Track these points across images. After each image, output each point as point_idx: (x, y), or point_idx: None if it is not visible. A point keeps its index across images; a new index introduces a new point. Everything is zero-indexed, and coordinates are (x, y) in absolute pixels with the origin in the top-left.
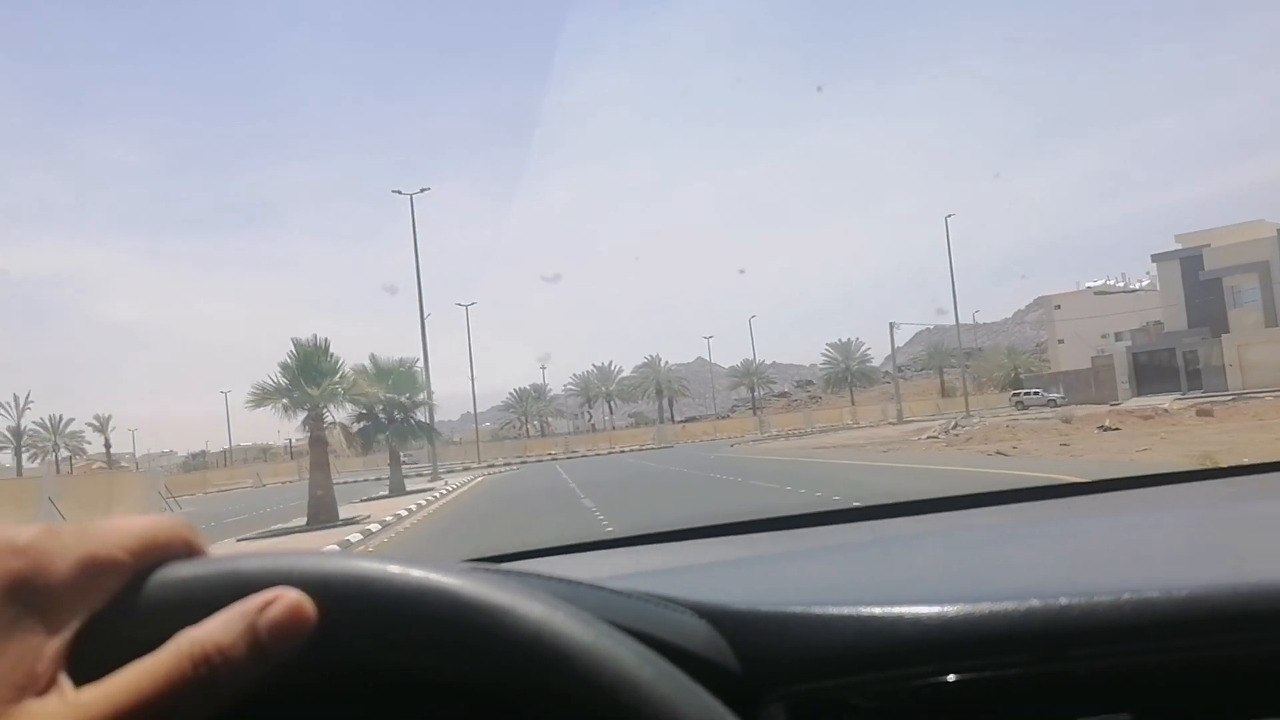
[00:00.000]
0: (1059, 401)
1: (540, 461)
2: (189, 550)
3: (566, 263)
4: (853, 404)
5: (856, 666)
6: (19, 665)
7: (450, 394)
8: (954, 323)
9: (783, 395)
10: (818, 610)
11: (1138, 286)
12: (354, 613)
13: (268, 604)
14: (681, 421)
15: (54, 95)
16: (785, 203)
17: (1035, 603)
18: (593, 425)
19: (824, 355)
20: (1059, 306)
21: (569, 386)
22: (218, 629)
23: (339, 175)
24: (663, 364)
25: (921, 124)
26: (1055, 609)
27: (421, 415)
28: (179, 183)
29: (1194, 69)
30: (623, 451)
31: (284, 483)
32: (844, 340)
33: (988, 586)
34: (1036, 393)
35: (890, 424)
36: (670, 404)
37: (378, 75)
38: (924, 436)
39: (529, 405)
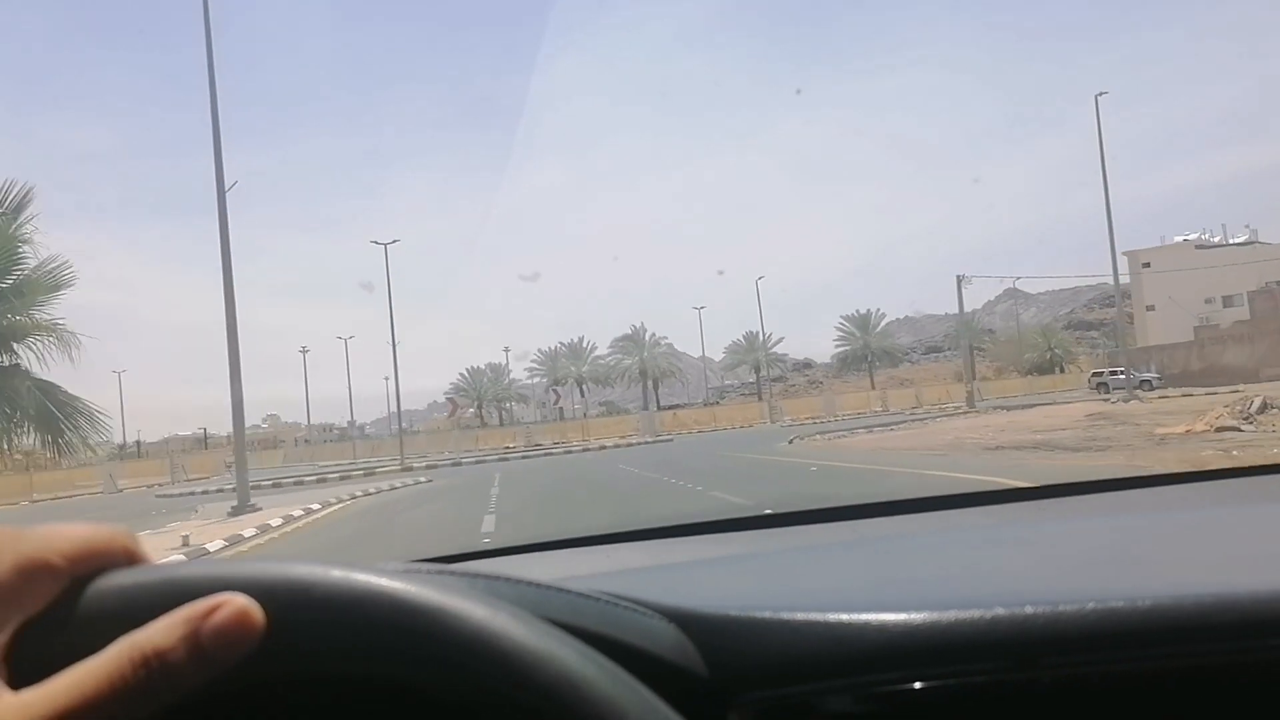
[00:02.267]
0: (1155, 383)
1: (483, 462)
2: (129, 559)
3: (542, 255)
4: (873, 387)
5: (824, 673)
6: None
7: (419, 386)
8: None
9: (778, 380)
10: (786, 616)
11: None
12: (297, 619)
13: (213, 609)
14: (667, 408)
15: (13, 79)
16: (768, 194)
17: (1000, 611)
18: (561, 411)
19: (838, 329)
20: (1147, 264)
21: (532, 366)
22: (160, 632)
23: (310, 161)
24: (648, 336)
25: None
26: (1020, 618)
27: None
28: (146, 167)
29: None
30: (601, 447)
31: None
32: (861, 312)
33: (956, 593)
34: (1122, 373)
35: (961, 411)
36: (655, 387)
37: (349, 60)
38: (1203, 430)
39: (484, 389)
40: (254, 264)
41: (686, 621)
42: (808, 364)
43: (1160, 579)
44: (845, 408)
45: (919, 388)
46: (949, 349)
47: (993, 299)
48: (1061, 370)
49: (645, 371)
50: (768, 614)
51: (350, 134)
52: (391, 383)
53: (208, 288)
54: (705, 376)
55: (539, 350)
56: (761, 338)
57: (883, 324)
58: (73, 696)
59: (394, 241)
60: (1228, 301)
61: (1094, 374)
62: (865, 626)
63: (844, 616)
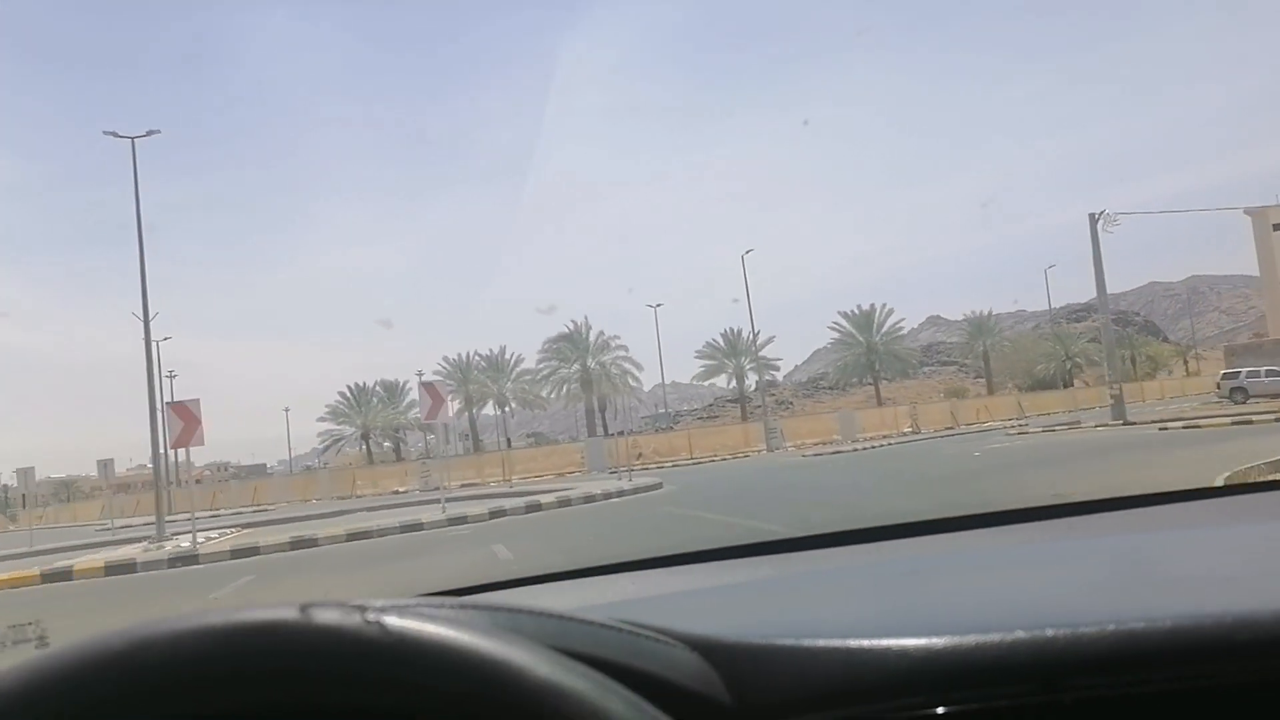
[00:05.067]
0: None
1: (298, 548)
2: None
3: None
4: (879, 402)
5: (846, 700)
6: None
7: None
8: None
9: (769, 392)
10: (807, 643)
11: None
12: (316, 660)
13: None
14: (616, 435)
15: None
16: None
17: (1021, 634)
18: (467, 442)
19: (834, 329)
20: (1279, 226)
21: (438, 374)
22: None
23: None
24: (593, 336)
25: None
26: (1041, 640)
27: None
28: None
29: None
30: (531, 505)
31: None
32: (862, 309)
33: (976, 616)
34: (1261, 372)
35: (1105, 423)
36: (602, 407)
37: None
38: None
39: (370, 412)
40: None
41: (709, 650)
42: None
43: (1182, 598)
44: (870, 428)
45: (915, 405)
46: (929, 364)
47: (915, 326)
48: (1068, 385)
49: (589, 382)
50: (790, 641)
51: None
52: (294, 415)
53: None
54: (664, 392)
55: (444, 360)
56: (751, 334)
57: (889, 321)
58: None
59: None
60: None
61: (1225, 375)
62: (886, 652)
63: (865, 643)
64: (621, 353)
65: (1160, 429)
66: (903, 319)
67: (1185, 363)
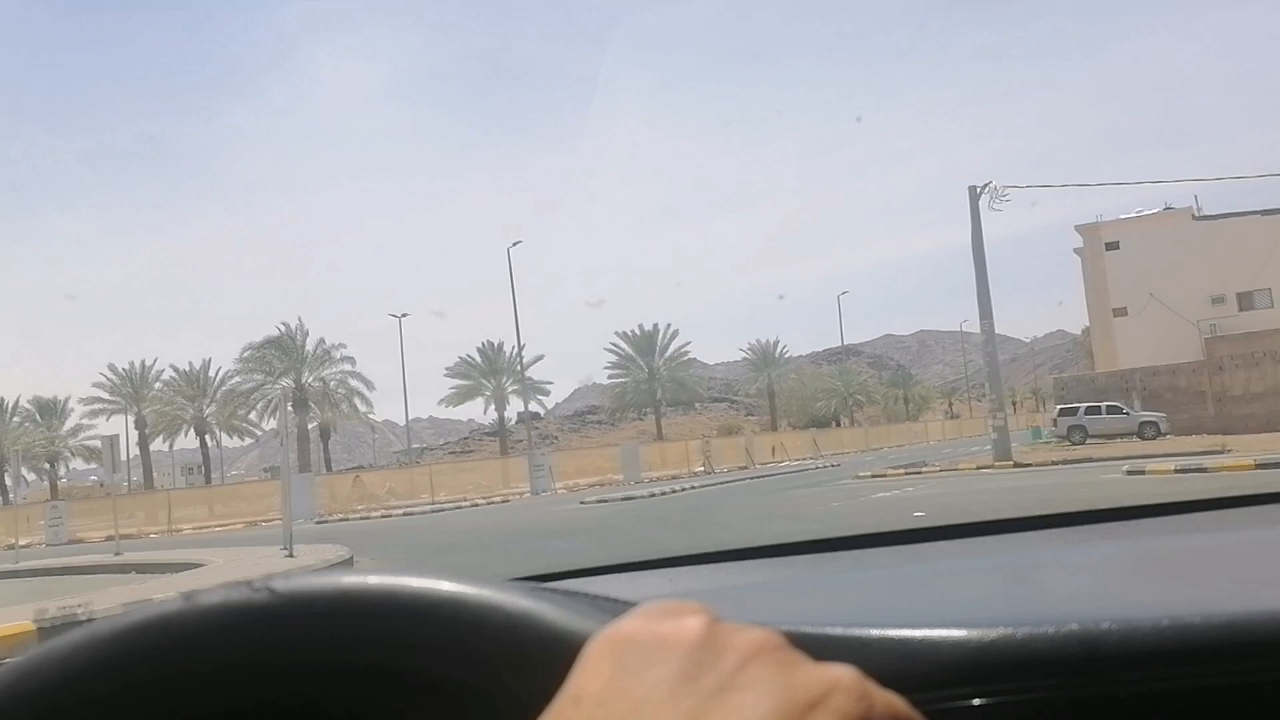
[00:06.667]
0: (1162, 427)
1: None
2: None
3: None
4: (660, 436)
5: (897, 689)
6: None
7: None
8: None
9: (535, 422)
10: (858, 632)
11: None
12: (422, 628)
13: (818, 700)
14: (348, 471)
15: None
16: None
17: (1074, 626)
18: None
19: (612, 350)
20: (1114, 245)
21: (98, 392)
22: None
23: None
24: (313, 344)
25: None
26: (1094, 633)
27: None
28: None
29: None
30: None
31: None
32: (644, 329)
33: (1028, 610)
34: (1114, 409)
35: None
36: (325, 437)
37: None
38: None
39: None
40: None
41: None
42: (534, 414)
43: (1231, 597)
44: (656, 463)
45: (708, 439)
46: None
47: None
48: (838, 424)
49: (303, 400)
50: (839, 630)
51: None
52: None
53: None
54: (407, 416)
55: (110, 371)
56: (516, 348)
57: (674, 344)
58: None
59: None
60: (1246, 301)
61: (1062, 410)
62: (940, 642)
63: (916, 633)
64: (347, 366)
65: (1129, 472)
66: (689, 342)
67: (950, 405)
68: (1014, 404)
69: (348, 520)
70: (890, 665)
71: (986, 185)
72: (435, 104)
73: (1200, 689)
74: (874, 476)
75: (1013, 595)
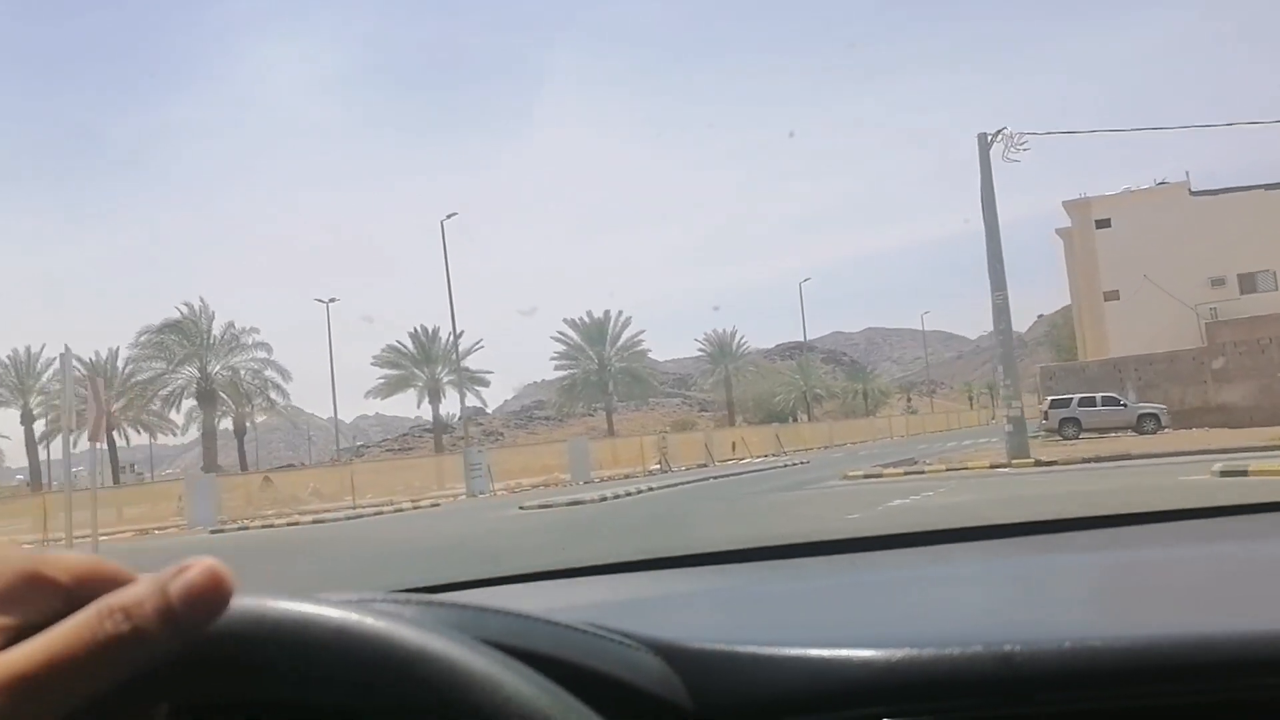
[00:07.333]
0: (1162, 419)
1: None
2: (122, 585)
3: None
4: (611, 431)
5: (805, 707)
6: None
7: None
8: None
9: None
10: (770, 651)
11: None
12: (263, 649)
13: (182, 569)
14: (279, 470)
15: None
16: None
17: (979, 648)
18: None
19: (559, 339)
20: (1105, 222)
21: None
22: (130, 592)
23: None
24: (220, 328)
25: None
26: (999, 655)
27: None
28: None
29: None
30: None
31: None
32: (594, 316)
33: (938, 630)
34: (1111, 401)
35: (1001, 464)
36: (239, 433)
37: None
38: None
39: None
40: None
41: (671, 654)
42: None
43: (1149, 617)
44: (607, 461)
45: (664, 435)
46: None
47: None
48: (796, 419)
49: (209, 391)
50: (752, 648)
51: None
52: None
53: None
54: (335, 410)
55: None
56: (451, 336)
57: (626, 333)
58: (46, 654)
59: None
60: (1249, 283)
61: (1054, 402)
62: (847, 662)
63: (826, 652)
64: (262, 354)
65: (1223, 472)
66: (643, 331)
67: (909, 399)
68: (970, 399)
69: (247, 530)
70: (800, 685)
71: (999, 132)
72: (377, 95)
73: (1105, 711)
74: (866, 477)
75: (928, 614)
